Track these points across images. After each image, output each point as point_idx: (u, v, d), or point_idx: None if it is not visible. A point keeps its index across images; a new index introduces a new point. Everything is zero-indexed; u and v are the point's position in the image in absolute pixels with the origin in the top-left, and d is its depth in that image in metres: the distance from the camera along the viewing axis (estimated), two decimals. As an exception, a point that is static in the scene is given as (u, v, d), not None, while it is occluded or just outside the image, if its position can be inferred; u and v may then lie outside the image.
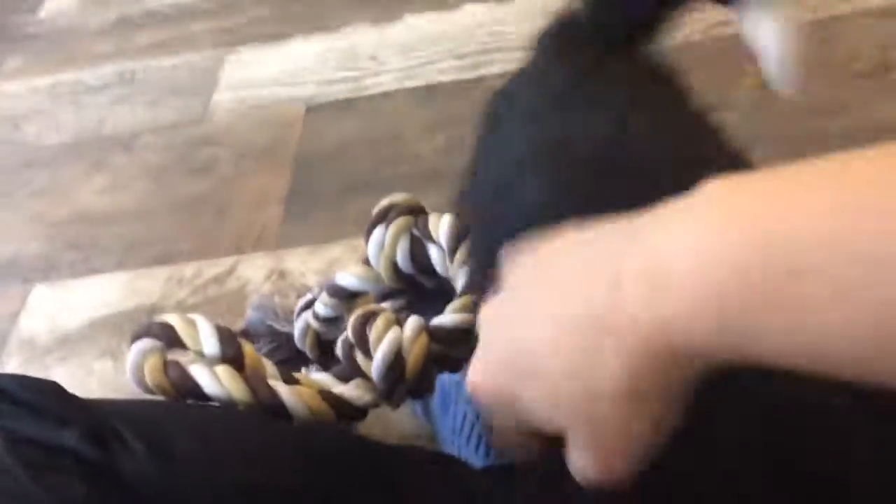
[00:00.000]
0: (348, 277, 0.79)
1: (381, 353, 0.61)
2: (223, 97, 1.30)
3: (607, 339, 0.32)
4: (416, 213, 0.74)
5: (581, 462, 0.37)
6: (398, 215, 0.73)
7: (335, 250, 1.01)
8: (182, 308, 0.99)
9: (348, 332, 0.63)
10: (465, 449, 0.71)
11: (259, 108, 1.26)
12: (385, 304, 0.79)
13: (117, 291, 1.03)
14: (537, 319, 0.36)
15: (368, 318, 0.62)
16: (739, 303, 0.28)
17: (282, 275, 1.00)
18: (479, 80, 1.22)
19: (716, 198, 0.30)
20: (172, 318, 0.61)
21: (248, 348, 0.61)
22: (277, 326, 0.91)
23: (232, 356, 0.60)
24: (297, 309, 0.88)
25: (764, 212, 0.28)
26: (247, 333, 0.92)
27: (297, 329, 0.87)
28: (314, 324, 0.84)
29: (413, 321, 0.62)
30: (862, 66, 1.09)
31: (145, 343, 0.59)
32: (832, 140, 0.99)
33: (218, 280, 1.01)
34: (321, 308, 0.83)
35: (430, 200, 1.06)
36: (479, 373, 0.40)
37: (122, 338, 0.98)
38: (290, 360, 0.87)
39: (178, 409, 0.58)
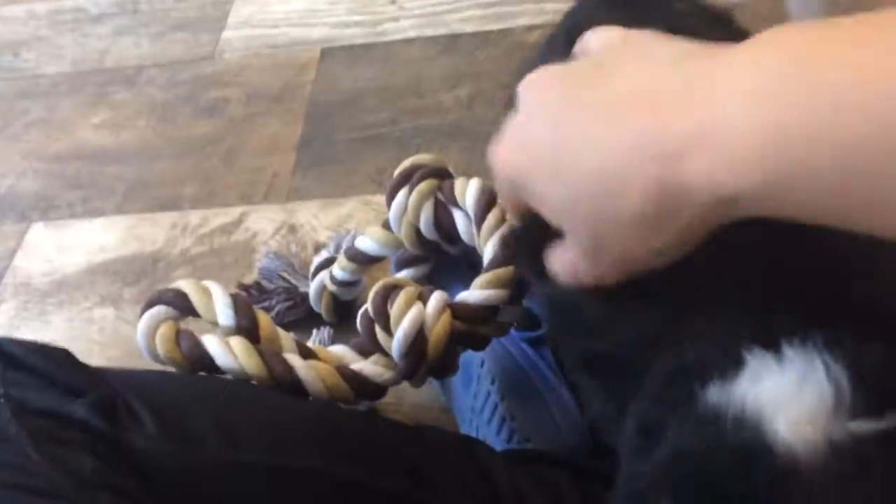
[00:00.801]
0: (368, 242, 0.75)
1: (402, 331, 0.57)
2: (233, 35, 1.23)
3: (651, 166, 0.32)
4: (442, 176, 0.69)
5: (569, 264, 0.38)
6: (422, 178, 0.68)
7: (348, 205, 0.97)
8: (186, 258, 0.95)
9: (368, 306, 0.59)
10: (485, 429, 0.68)
11: (271, 48, 1.20)
12: (406, 273, 0.75)
13: (118, 236, 0.98)
14: (593, 121, 0.35)
15: (390, 292, 0.58)
16: (787, 144, 0.28)
17: (292, 229, 0.95)
18: (505, 33, 1.16)
19: (773, 42, 0.31)
20: (187, 285, 0.57)
21: (263, 319, 0.58)
22: (294, 281, 0.87)
23: (247, 327, 0.56)
24: (312, 267, 0.84)
25: (815, 56, 0.29)
26: (260, 286, 0.88)
27: (312, 289, 0.83)
28: (330, 286, 0.80)
29: (436, 298, 0.58)
30: None
31: (158, 311, 0.55)
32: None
33: (225, 230, 0.97)
34: (338, 271, 0.79)
35: (451, 157, 1.02)
36: (511, 148, 0.38)
37: (124, 285, 0.93)
38: (305, 319, 0.83)
39: (192, 382, 0.54)
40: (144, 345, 0.55)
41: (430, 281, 0.77)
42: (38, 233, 1.01)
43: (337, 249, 0.86)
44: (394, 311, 0.57)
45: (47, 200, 1.05)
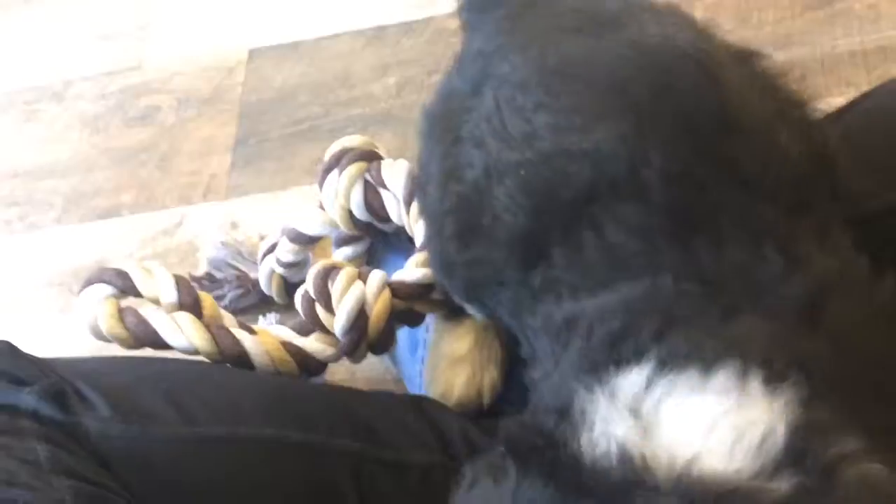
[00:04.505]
0: (306, 223, 0.77)
1: (343, 309, 0.59)
2: (158, 42, 1.23)
3: None
4: (371, 158, 0.71)
5: None
6: (351, 161, 0.71)
7: (288, 199, 0.98)
8: (132, 261, 0.95)
9: (308, 286, 0.61)
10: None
11: (197, 53, 1.21)
12: (345, 250, 0.77)
13: (60, 249, 0.98)
14: None
15: (329, 272, 0.60)
16: None
17: (234, 225, 0.97)
18: (429, 21, 1.18)
19: None
20: (127, 265, 0.59)
21: (206, 297, 0.59)
22: (243, 268, 0.88)
23: (190, 304, 0.58)
24: (260, 253, 0.86)
25: None
26: (211, 277, 0.88)
27: (261, 274, 0.84)
28: (278, 269, 0.81)
29: (376, 277, 0.60)
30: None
31: (98, 288, 0.56)
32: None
33: (167, 232, 0.98)
34: (283, 253, 0.80)
35: (384, 143, 1.04)
36: None
37: (71, 295, 0.93)
38: (257, 305, 0.84)
39: (140, 363, 0.55)
40: (87, 323, 0.56)
41: (370, 256, 0.79)
42: (-22, 253, 1.01)
43: (282, 234, 0.87)
44: (335, 290, 0.59)
45: (-16, 220, 1.04)
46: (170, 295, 0.57)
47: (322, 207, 0.73)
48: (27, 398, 0.47)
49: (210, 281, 0.87)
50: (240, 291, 0.87)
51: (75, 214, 1.02)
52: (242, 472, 0.52)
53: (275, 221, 0.95)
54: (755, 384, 0.35)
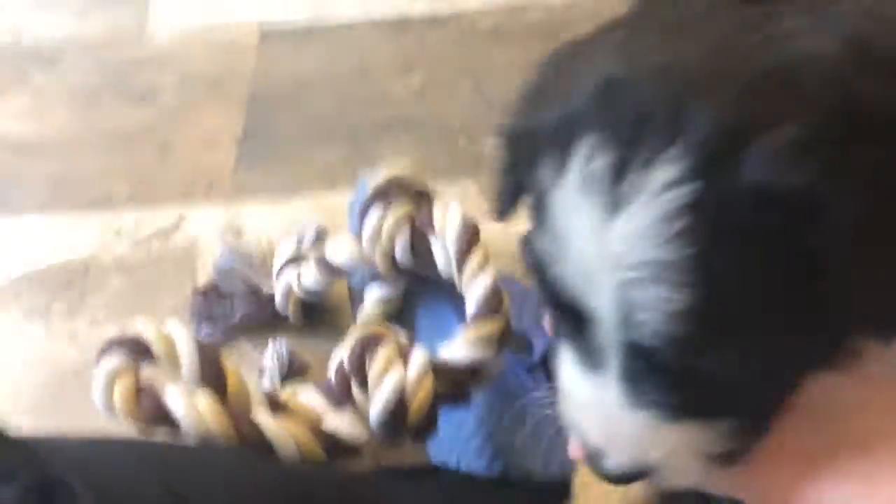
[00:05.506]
0: (340, 254, 0.69)
1: (380, 398, 0.52)
2: (164, 12, 1.14)
3: None
4: (420, 197, 0.64)
5: None
6: (398, 199, 0.63)
7: (299, 205, 0.90)
8: (121, 266, 0.87)
9: (344, 357, 0.54)
10: (467, 453, 0.64)
11: (206, 28, 1.12)
12: (379, 290, 0.69)
13: (44, 240, 0.90)
14: None
15: (368, 345, 0.53)
16: None
17: (238, 232, 0.89)
18: (456, 16, 1.10)
19: None
20: (147, 330, 0.51)
21: (231, 371, 0.52)
22: (255, 280, 0.80)
23: (213, 376, 0.51)
24: (276, 265, 0.78)
25: None
26: (218, 290, 0.81)
27: (278, 291, 0.76)
28: (297, 290, 0.74)
29: (417, 359, 0.53)
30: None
31: (115, 361, 0.49)
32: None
33: (163, 234, 0.89)
34: (307, 278, 0.73)
35: (405, 151, 0.96)
36: None
37: (52, 296, 0.85)
38: (270, 323, 0.76)
39: (144, 446, 0.48)
40: (101, 400, 0.49)
41: (407, 300, 0.72)
42: (-48, 235, 0.92)
43: (299, 243, 0.80)
44: (373, 370, 0.52)
45: (-40, 198, 0.95)
46: (192, 372, 0.50)
47: (355, 239, 0.66)
48: (9, 492, 0.40)
49: (217, 295, 0.80)
50: (252, 307, 0.79)
51: (63, 201, 0.93)
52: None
53: (283, 229, 0.88)
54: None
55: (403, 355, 0.53)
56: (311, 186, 0.92)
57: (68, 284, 0.86)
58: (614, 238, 0.32)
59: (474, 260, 0.57)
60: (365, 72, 1.05)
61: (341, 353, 0.54)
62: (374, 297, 0.68)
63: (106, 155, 0.98)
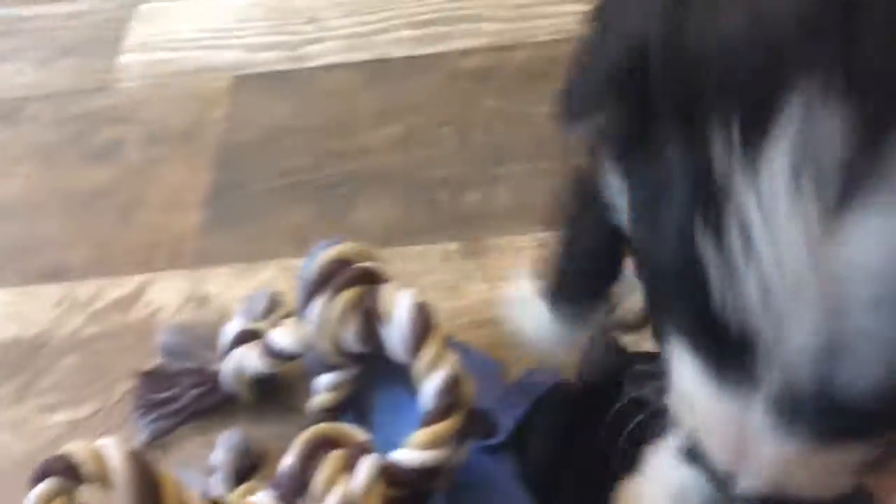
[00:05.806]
0: (285, 341, 0.63)
1: None
2: (131, 60, 1.08)
3: None
4: (369, 278, 0.57)
5: None
6: (346, 284, 0.56)
7: (266, 271, 0.84)
8: (76, 341, 0.81)
9: (291, 464, 0.47)
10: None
11: (175, 76, 1.06)
12: (327, 377, 0.63)
13: (-9, 316, 0.84)
14: None
15: (314, 455, 0.47)
16: None
17: (201, 302, 0.82)
18: (440, 57, 1.04)
19: None
20: (79, 451, 0.46)
21: (169, 482, 0.46)
22: (206, 357, 0.74)
23: (148, 496, 0.45)
24: (224, 342, 0.72)
25: None
26: (164, 371, 0.75)
27: (229, 371, 0.70)
28: (247, 371, 0.68)
29: (367, 466, 0.47)
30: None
31: (48, 487, 0.44)
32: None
33: (121, 305, 0.83)
34: (255, 364, 0.67)
35: (383, 210, 0.90)
36: None
37: (2, 379, 0.79)
38: (222, 406, 0.70)
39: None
40: None
41: (361, 378, 0.65)
42: None
43: (249, 314, 0.74)
44: (319, 480, 0.46)
45: None
46: (125, 490, 0.44)
47: (301, 324, 0.60)
48: None
49: (162, 377, 0.74)
50: (200, 390, 0.73)
51: (17, 272, 0.87)
52: None
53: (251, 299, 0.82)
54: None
55: (351, 464, 0.47)
56: (281, 251, 0.85)
57: (18, 366, 0.79)
58: (837, 253, 0.22)
59: (429, 351, 0.51)
60: (342, 121, 0.99)
61: (288, 459, 0.48)
62: (324, 383, 0.62)
63: (64, 218, 0.92)
